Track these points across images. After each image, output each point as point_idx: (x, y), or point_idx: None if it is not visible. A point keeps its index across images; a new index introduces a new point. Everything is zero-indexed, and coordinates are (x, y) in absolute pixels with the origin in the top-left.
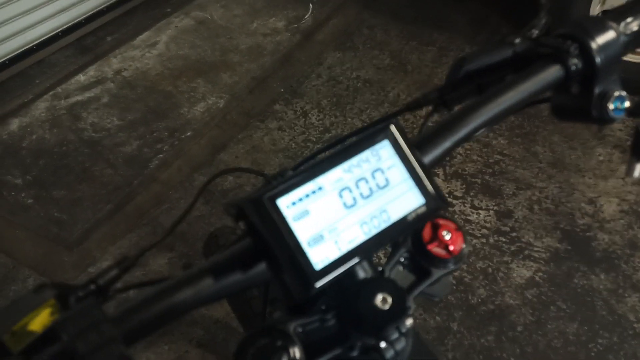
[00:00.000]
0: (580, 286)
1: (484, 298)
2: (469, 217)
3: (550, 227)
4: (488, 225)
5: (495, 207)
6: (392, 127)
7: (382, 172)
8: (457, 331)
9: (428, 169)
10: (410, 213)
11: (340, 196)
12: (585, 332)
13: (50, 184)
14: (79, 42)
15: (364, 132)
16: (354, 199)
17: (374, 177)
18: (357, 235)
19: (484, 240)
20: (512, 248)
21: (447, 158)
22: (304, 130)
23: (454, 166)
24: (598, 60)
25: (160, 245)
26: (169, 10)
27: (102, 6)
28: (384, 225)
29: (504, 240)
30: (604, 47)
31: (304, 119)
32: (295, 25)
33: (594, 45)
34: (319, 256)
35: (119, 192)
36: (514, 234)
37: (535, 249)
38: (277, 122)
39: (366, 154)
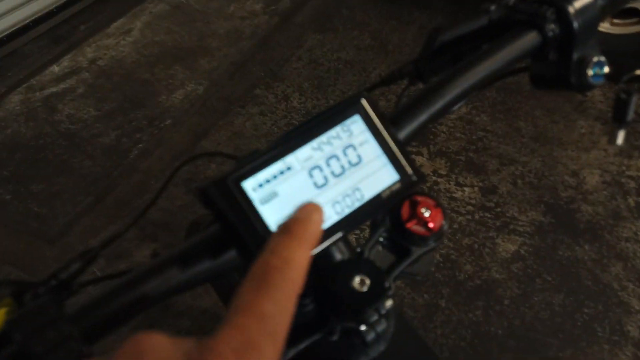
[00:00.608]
0: (565, 258)
1: (470, 274)
2: (454, 195)
3: (534, 201)
4: (473, 201)
5: (480, 184)
6: (363, 101)
7: (354, 148)
8: (445, 308)
9: (402, 144)
10: (384, 190)
11: (311, 175)
12: (571, 303)
13: (28, 178)
14: (52, 31)
15: (334, 108)
16: (325, 177)
17: (345, 154)
18: (329, 216)
19: (469, 217)
20: (497, 223)
21: (431, 136)
22: (286, 114)
23: (437, 144)
24: (575, 24)
25: (143, 236)
26: None
27: None
28: (357, 204)
29: (489, 216)
30: (581, 11)
31: (285, 103)
32: (273, 7)
33: (571, 9)
34: None
35: (99, 184)
36: (498, 210)
37: (520, 223)
38: (258, 107)
39: (336, 130)
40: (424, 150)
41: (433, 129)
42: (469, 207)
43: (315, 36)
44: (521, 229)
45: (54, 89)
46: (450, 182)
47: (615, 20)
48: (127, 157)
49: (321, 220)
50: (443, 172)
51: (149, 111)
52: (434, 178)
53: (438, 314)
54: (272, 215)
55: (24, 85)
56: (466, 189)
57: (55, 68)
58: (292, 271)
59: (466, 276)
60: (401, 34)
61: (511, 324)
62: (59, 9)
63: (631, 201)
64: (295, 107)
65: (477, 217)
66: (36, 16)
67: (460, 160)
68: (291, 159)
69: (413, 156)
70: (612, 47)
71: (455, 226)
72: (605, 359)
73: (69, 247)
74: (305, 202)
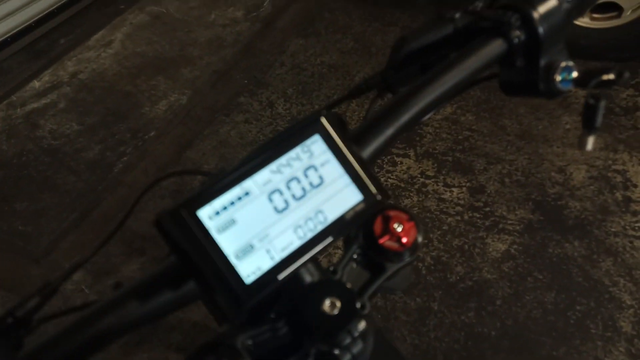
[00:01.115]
0: (555, 255)
1: (462, 275)
2: (442, 196)
3: (522, 199)
4: (462, 202)
5: (468, 184)
6: (323, 120)
7: (315, 169)
8: (438, 311)
9: (365, 162)
10: (348, 211)
11: (270, 200)
12: (563, 300)
13: (12, 196)
14: (31, 46)
15: (293, 127)
16: (286, 201)
17: (306, 176)
18: (291, 241)
19: (458, 217)
20: (487, 223)
21: (417, 137)
22: (271, 121)
23: (424, 146)
24: (541, 30)
25: (130, 251)
26: (122, 6)
27: (52, 7)
28: (320, 227)
29: (478, 215)
30: (546, 16)
31: (270, 110)
32: (255, 14)
33: (535, 15)
34: (250, 268)
35: (84, 199)
36: (487, 209)
37: (509, 222)
38: (243, 114)
39: (296, 151)
40: (411, 152)
41: (419, 131)
42: (458, 208)
43: (298, 41)
44: (510, 228)
45: (35, 105)
46: (439, 184)
47: (595, 15)
48: (112, 171)
49: None
50: (431, 173)
51: (132, 123)
52: (421, 180)
53: (431, 317)
54: (230, 244)
55: (5, 102)
56: (454, 189)
57: (35, 83)
58: None
59: (457, 278)
60: (384, 35)
61: (504, 324)
62: (37, 23)
63: (618, 195)
64: (280, 114)
65: (466, 217)
66: (15, 31)
67: (447, 160)
68: (249, 183)
69: (400, 158)
70: (592, 42)
71: (445, 227)
72: (599, 356)
73: (55, 264)
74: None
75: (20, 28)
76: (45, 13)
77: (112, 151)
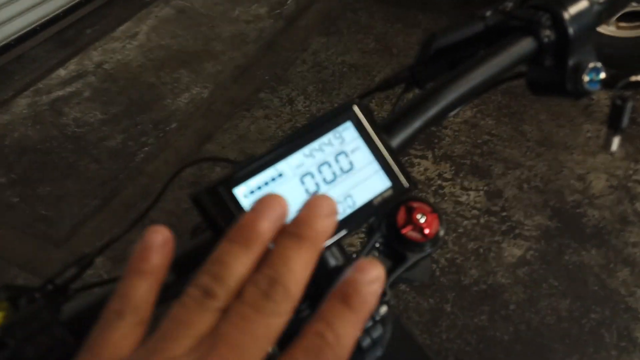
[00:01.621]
0: (571, 262)
1: (476, 278)
2: (459, 199)
3: (540, 205)
4: (478, 205)
5: (485, 188)
6: (355, 108)
7: (346, 155)
8: (451, 312)
9: (395, 151)
10: (376, 197)
11: (302, 182)
12: (577, 308)
13: (35, 181)
14: (59, 35)
15: (326, 115)
16: (317, 184)
17: (337, 161)
18: None
19: (474, 221)
20: (503, 227)
21: (436, 140)
22: (291, 118)
23: (442, 148)
24: (571, 30)
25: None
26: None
27: None
28: (349, 211)
29: (494, 220)
30: (576, 17)
31: (290, 106)
32: (278, 11)
33: (566, 15)
34: None
35: (105, 187)
36: (504, 214)
37: (526, 227)
38: (263, 110)
39: (328, 137)
40: (429, 154)
41: (437, 133)
42: (475, 212)
43: (319, 39)
44: (527, 234)
45: (60, 93)
46: (456, 186)
47: (621, 24)
48: (133, 160)
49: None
50: (448, 176)
51: (155, 114)
52: (439, 182)
53: (443, 318)
54: None
55: (31, 89)
56: (471, 192)
57: (61, 72)
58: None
59: (471, 281)
60: (406, 36)
61: (517, 329)
62: (65, 13)
63: (638, 206)
64: (299, 111)
65: (482, 221)
66: (43, 20)
67: (465, 164)
68: (283, 165)
69: (418, 160)
70: (618, 51)
71: (461, 230)
72: None
73: (76, 249)
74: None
75: (48, 17)
76: (73, 3)
77: (134, 141)
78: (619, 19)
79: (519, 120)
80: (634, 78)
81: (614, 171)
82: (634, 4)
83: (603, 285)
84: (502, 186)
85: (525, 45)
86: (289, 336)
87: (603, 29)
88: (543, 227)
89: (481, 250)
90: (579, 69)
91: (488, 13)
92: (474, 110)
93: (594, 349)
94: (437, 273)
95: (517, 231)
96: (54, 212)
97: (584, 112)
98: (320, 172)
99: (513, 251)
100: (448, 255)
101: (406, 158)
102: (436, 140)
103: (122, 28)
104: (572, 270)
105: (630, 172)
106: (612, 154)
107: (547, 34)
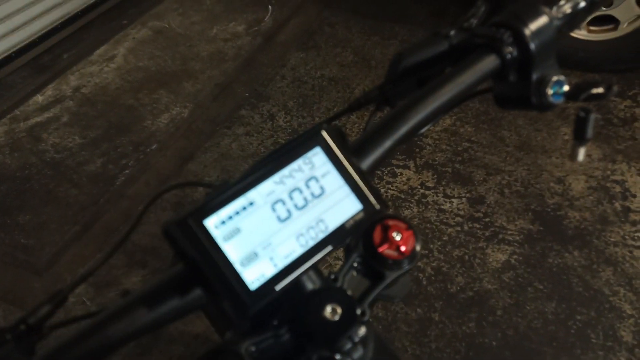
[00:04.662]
0: (555, 265)
1: (462, 286)
2: (442, 207)
3: (522, 210)
4: (461, 212)
5: (467, 194)
6: (324, 133)
7: (317, 180)
8: (439, 321)
9: (365, 173)
10: (348, 220)
11: (274, 210)
12: (563, 310)
13: (15, 209)
14: (35, 61)
15: (295, 140)
16: (288, 211)
17: (308, 187)
18: (293, 249)
19: (458, 228)
20: (487, 233)
21: (417, 149)
22: (272, 134)
23: (424, 157)
24: (532, 46)
25: (131, 263)
26: (125, 22)
27: (56, 23)
28: (321, 236)
29: (478, 226)
30: (537, 33)
31: (271, 122)
32: (256, 28)
33: (527, 31)
34: (254, 275)
35: (86, 212)
36: (487, 219)
37: (509, 232)
38: (244, 127)
39: (298, 163)
40: (411, 164)
41: (419, 142)
42: (458, 219)
43: (298, 54)
44: (510, 238)
45: (38, 119)
46: (438, 194)
47: (592, 28)
48: (114, 183)
49: None
50: (430, 184)
51: (135, 136)
52: (422, 191)
53: (432, 327)
54: (235, 252)
55: (8, 116)
56: (454, 200)
57: (39, 97)
58: None
59: (458, 288)
60: (383, 48)
61: (505, 335)
62: (41, 39)
63: (617, 205)
64: (281, 126)
65: (466, 228)
66: (19, 46)
67: (447, 171)
68: (253, 194)
69: (400, 170)
70: (590, 54)
71: (445, 238)
72: None
73: (58, 277)
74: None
75: (24, 43)
76: (49, 28)
77: (114, 164)
78: (590, 23)
79: (498, 126)
80: (595, 90)
81: (592, 172)
82: (603, 8)
83: (587, 286)
84: (484, 192)
85: (489, 62)
86: (272, 358)
87: (575, 34)
88: (526, 231)
89: (466, 257)
90: (543, 83)
91: (452, 32)
92: (453, 118)
93: (581, 350)
94: (424, 282)
95: (500, 236)
96: (34, 239)
97: (561, 116)
98: (291, 198)
99: (497, 256)
100: (434, 264)
101: (388, 168)
102: (417, 150)
103: (99, 51)
104: (556, 272)
105: (608, 172)
106: (579, 162)
107: (510, 50)
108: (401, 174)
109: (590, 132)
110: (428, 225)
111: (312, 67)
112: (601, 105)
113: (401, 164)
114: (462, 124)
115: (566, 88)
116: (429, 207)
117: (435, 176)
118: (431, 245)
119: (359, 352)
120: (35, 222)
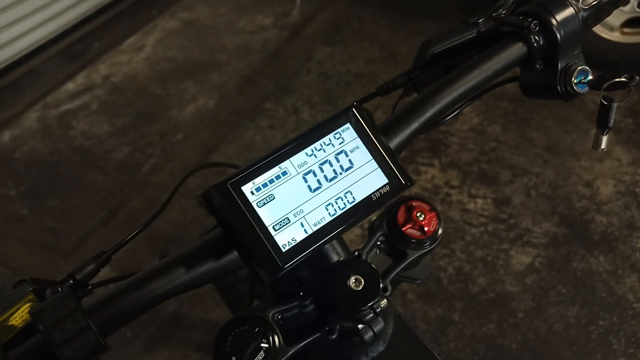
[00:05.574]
0: (579, 269)
1: (484, 287)
2: (466, 207)
3: (548, 212)
4: (486, 213)
5: (493, 195)
6: (354, 110)
7: (346, 154)
8: (459, 321)
9: (391, 150)
10: (374, 193)
11: (305, 180)
12: (585, 315)
13: (44, 193)
14: (67, 50)
15: (328, 118)
16: (319, 181)
17: (337, 160)
18: (322, 217)
19: (482, 228)
20: (511, 235)
21: (443, 147)
22: (296, 127)
23: (449, 155)
24: (559, 36)
25: (154, 250)
26: (155, 13)
27: (89, 13)
28: (348, 206)
29: (502, 227)
30: (563, 23)
31: (295, 116)
32: (283, 21)
33: (554, 21)
34: (286, 239)
35: (112, 199)
36: (512, 221)
37: (534, 234)
38: (269, 120)
39: (329, 137)
40: (436, 162)
41: (444, 141)
42: (482, 219)
43: (324, 49)
44: (535, 241)
45: (68, 106)
46: (463, 194)
47: (626, 30)
48: (140, 171)
49: None
50: (455, 183)
51: (161, 126)
52: (446, 190)
53: (451, 327)
54: (269, 217)
55: (40, 103)
56: (479, 200)
57: (70, 85)
58: None
59: (479, 289)
60: (410, 44)
61: (525, 337)
62: (74, 28)
63: None
64: (305, 120)
65: (490, 229)
66: (52, 35)
67: (472, 171)
68: (287, 164)
69: (425, 168)
70: (623, 56)
71: (468, 238)
72: None
73: (83, 261)
74: None
75: (57, 32)
76: (81, 18)
77: (141, 152)
78: (624, 25)
79: (526, 126)
80: (618, 79)
81: (621, 177)
82: (637, 9)
83: (611, 292)
84: (509, 193)
85: (516, 50)
86: (294, 331)
87: (608, 35)
88: (551, 234)
89: (489, 258)
90: (568, 72)
91: (480, 20)
92: (481, 117)
93: (602, 356)
94: (445, 282)
95: (525, 238)
96: (62, 224)
97: (591, 118)
98: (321, 170)
99: (521, 259)
100: (456, 264)
101: (412, 166)
102: (443, 148)
103: (129, 41)
104: (580, 277)
105: (638, 177)
106: (602, 151)
107: (536, 39)
108: (426, 172)
109: (612, 120)
110: (451, 224)
111: (338, 62)
112: (632, 109)
113: (426, 161)
114: (489, 123)
115: (590, 77)
116: (453, 206)
117: (461, 175)
118: (454, 245)
119: (379, 325)
120: (63, 206)
